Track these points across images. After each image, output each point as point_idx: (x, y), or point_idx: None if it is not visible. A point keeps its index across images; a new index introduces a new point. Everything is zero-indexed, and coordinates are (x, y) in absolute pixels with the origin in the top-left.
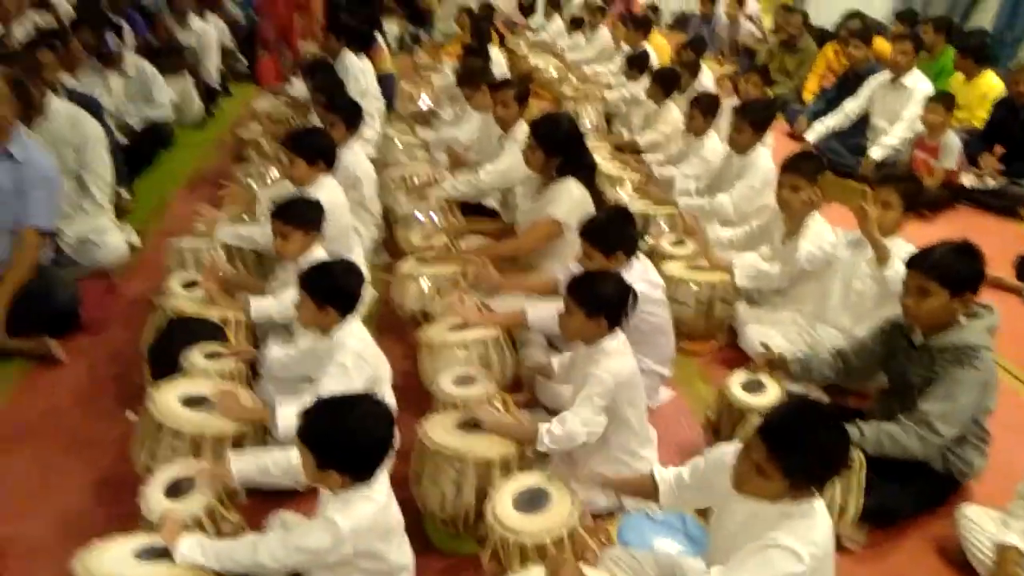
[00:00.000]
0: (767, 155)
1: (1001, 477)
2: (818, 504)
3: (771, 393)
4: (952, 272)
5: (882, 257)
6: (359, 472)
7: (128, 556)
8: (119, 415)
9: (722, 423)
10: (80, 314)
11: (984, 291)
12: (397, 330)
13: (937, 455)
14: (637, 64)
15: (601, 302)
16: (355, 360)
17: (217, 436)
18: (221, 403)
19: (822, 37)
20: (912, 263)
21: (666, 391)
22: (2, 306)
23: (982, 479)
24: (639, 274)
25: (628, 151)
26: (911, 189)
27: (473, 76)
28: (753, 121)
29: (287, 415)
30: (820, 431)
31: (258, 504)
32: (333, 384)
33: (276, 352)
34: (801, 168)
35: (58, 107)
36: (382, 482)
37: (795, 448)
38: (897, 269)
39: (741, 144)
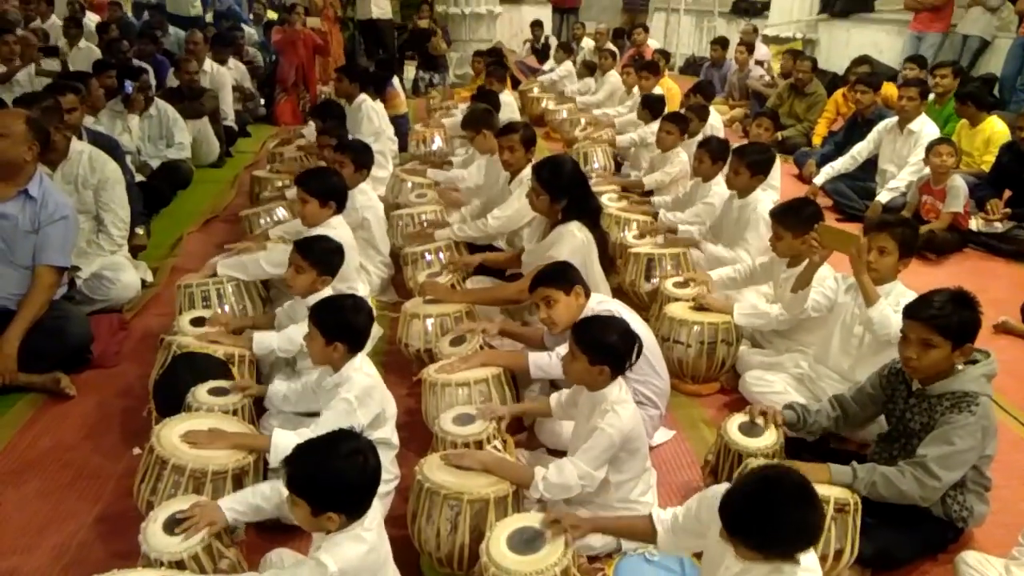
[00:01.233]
0: (769, 200)
1: (1003, 524)
2: (811, 561)
3: (769, 436)
4: (955, 323)
5: (869, 300)
6: (356, 509)
7: None
8: (125, 451)
9: (720, 466)
10: (92, 350)
11: (992, 335)
12: (402, 368)
13: (934, 499)
14: (651, 106)
15: (605, 350)
16: (361, 396)
17: (218, 471)
18: (210, 439)
19: (833, 82)
20: (912, 314)
21: (666, 431)
22: (15, 341)
23: (985, 526)
24: (597, 302)
25: (636, 192)
26: (907, 235)
27: (475, 120)
28: (750, 163)
29: (283, 439)
30: (781, 510)
31: (258, 539)
32: (335, 419)
33: (280, 387)
34: (781, 218)
35: (79, 148)
36: (372, 520)
37: (754, 531)
38: (881, 310)
39: (739, 186)
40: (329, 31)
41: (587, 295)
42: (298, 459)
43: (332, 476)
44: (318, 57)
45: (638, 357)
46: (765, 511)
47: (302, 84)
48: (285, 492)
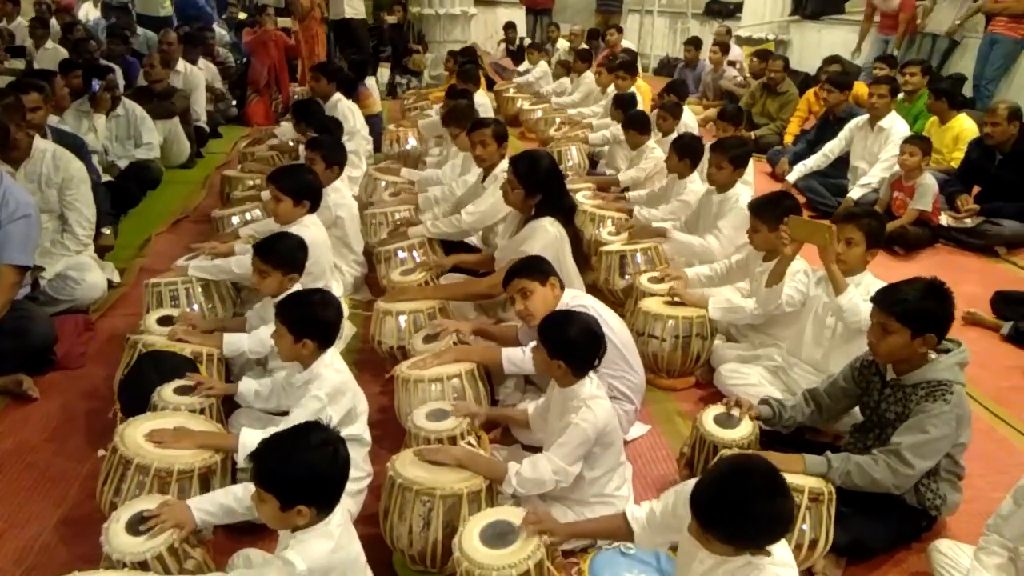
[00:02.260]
0: (746, 193)
1: (976, 512)
2: (784, 553)
3: (744, 428)
4: (914, 312)
5: (838, 288)
6: (326, 502)
7: None
8: (89, 453)
9: (696, 457)
10: (56, 351)
11: (962, 327)
12: (375, 366)
13: (907, 487)
14: (622, 105)
15: (563, 345)
16: (332, 393)
17: (184, 470)
18: (175, 438)
19: (805, 82)
20: (876, 299)
21: (641, 426)
22: None
23: (958, 515)
24: (571, 296)
25: (610, 189)
26: (873, 225)
27: (459, 115)
28: (732, 158)
29: (251, 439)
30: (752, 501)
31: (225, 540)
32: (306, 417)
33: (251, 384)
34: (758, 211)
35: (42, 147)
36: (339, 515)
37: (725, 522)
38: (850, 297)
39: (720, 181)
40: (316, 32)
41: (562, 288)
42: (265, 452)
43: (301, 468)
44: (298, 56)
45: (600, 359)
46: (736, 502)
47: (274, 85)
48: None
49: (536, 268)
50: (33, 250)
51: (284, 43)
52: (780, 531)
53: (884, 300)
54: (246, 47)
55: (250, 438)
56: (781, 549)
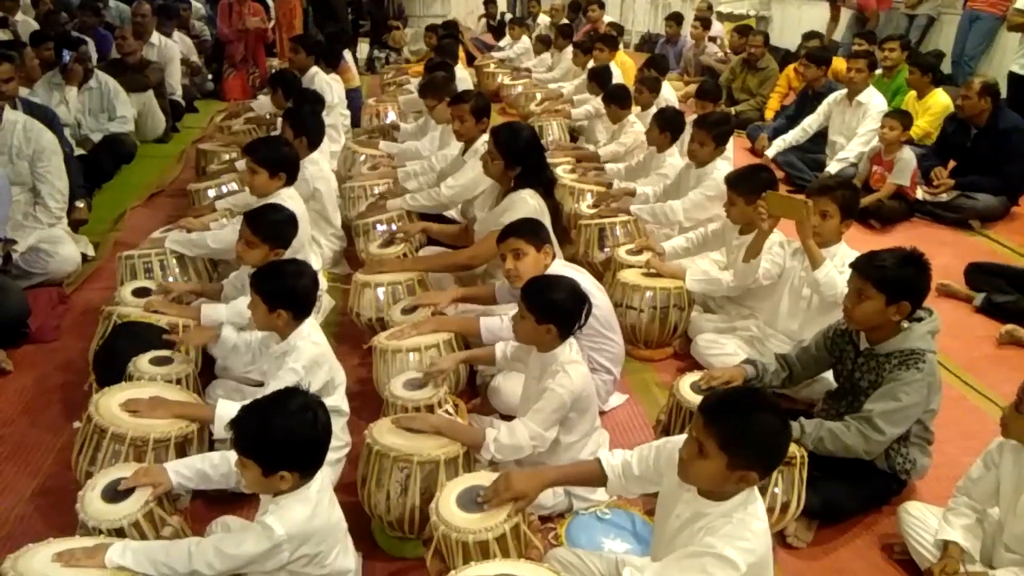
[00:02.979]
0: (725, 167)
1: (946, 477)
2: (759, 508)
3: None
4: (890, 279)
5: (815, 262)
6: (308, 467)
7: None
8: (64, 425)
9: (672, 424)
10: (29, 324)
11: (936, 298)
12: (354, 338)
13: (878, 452)
14: (598, 79)
15: (552, 309)
16: (309, 366)
17: (160, 439)
18: (150, 407)
19: (785, 58)
20: (855, 264)
21: (619, 396)
22: None
23: (927, 479)
24: (561, 266)
25: (590, 163)
26: (847, 196)
27: (436, 86)
28: (716, 135)
29: (227, 410)
30: (755, 407)
31: (203, 508)
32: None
33: (230, 334)
34: (734, 184)
35: (12, 118)
36: (318, 481)
37: (729, 418)
38: (827, 272)
39: (702, 157)
40: (293, 5)
41: (553, 257)
42: (246, 419)
43: (282, 432)
44: (276, 30)
45: (587, 319)
46: (745, 404)
47: (251, 59)
48: (235, 460)
49: (534, 232)
50: (3, 221)
51: (260, 11)
52: (773, 444)
53: (862, 266)
54: (219, 36)
55: (226, 410)
56: (758, 506)
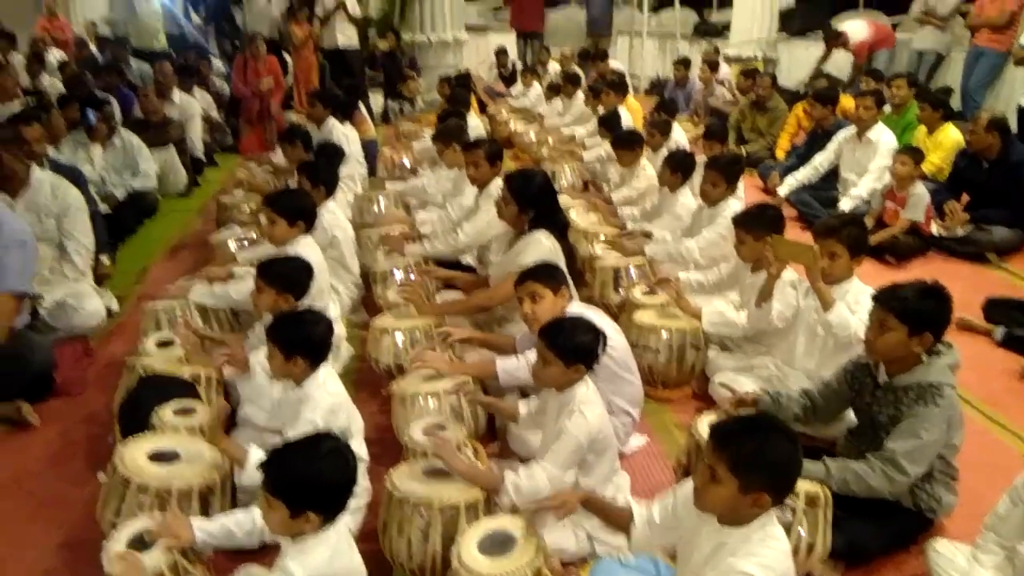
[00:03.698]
0: (737, 207)
1: (972, 515)
2: (777, 530)
3: None
4: (912, 310)
5: (826, 304)
6: (333, 510)
7: None
8: (89, 477)
9: (692, 465)
10: (55, 378)
11: (955, 332)
12: (373, 385)
13: (904, 493)
14: (607, 124)
15: (580, 350)
16: (326, 414)
17: (183, 490)
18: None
19: (794, 97)
20: (876, 296)
21: (639, 437)
22: None
23: (953, 516)
24: (579, 308)
25: (604, 207)
26: (854, 234)
27: (447, 133)
28: (728, 176)
29: (259, 455)
30: (766, 431)
31: (226, 558)
32: None
33: (250, 409)
34: (742, 223)
35: (40, 177)
36: (340, 524)
37: (739, 441)
38: (838, 312)
39: (714, 197)
40: (310, 61)
41: (570, 299)
42: (278, 459)
43: (313, 475)
44: (293, 84)
45: (604, 349)
46: (757, 428)
47: (267, 114)
48: (258, 519)
49: (550, 275)
50: (30, 277)
51: (275, 71)
52: (786, 467)
53: (884, 297)
54: (235, 92)
55: (258, 455)
56: (779, 531)
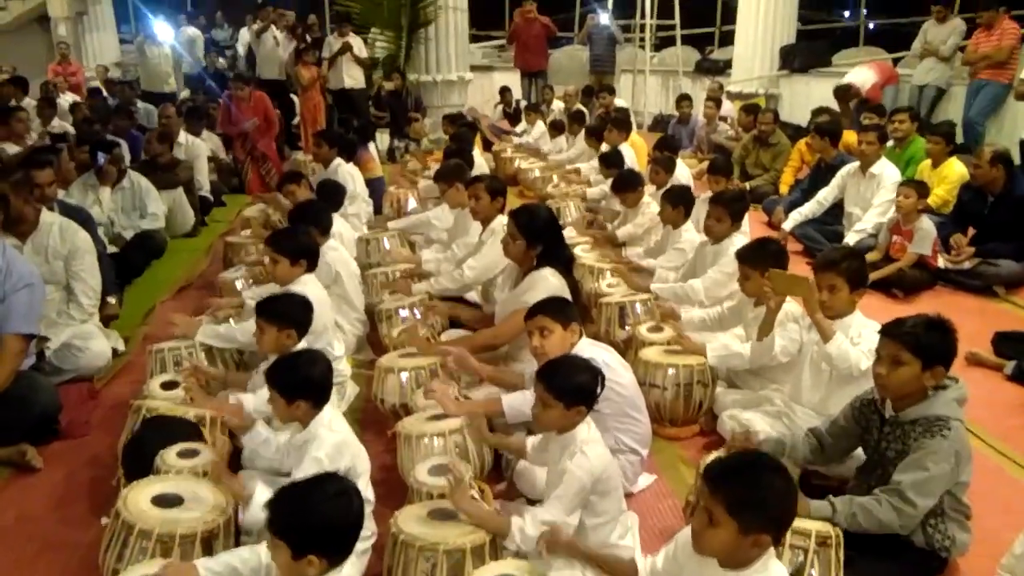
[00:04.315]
0: (742, 242)
1: (987, 554)
2: (779, 568)
3: None
4: (926, 344)
5: (825, 336)
6: (338, 554)
7: None
8: (93, 521)
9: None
10: (60, 420)
11: (965, 367)
12: (379, 425)
13: (913, 526)
14: (609, 162)
15: (579, 391)
16: (332, 454)
17: (186, 535)
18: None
19: (797, 133)
20: (886, 331)
21: (647, 476)
22: None
23: (969, 556)
24: (591, 347)
25: (608, 244)
26: (853, 267)
27: (448, 172)
28: (732, 212)
29: (263, 494)
30: (759, 469)
31: None
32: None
33: (262, 428)
34: (745, 258)
35: (49, 219)
36: (346, 568)
37: (734, 482)
38: (838, 344)
39: (719, 233)
40: (317, 102)
41: (580, 335)
42: (283, 499)
43: (318, 516)
44: (301, 125)
45: (603, 388)
46: (750, 467)
47: (260, 156)
48: (264, 557)
49: (560, 310)
50: (37, 319)
51: (263, 109)
52: (782, 504)
53: (896, 332)
54: (220, 128)
55: (263, 497)
56: (779, 568)
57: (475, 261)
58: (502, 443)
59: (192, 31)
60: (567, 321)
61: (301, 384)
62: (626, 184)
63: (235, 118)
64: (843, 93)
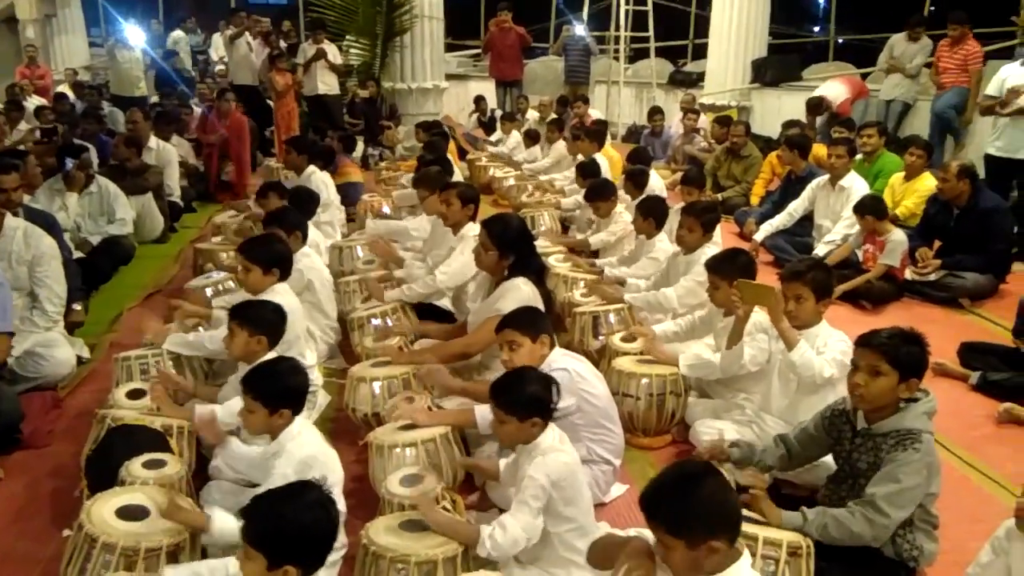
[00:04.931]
0: (714, 252)
1: (954, 563)
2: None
3: None
4: (903, 355)
5: (789, 345)
6: (312, 564)
7: None
8: (54, 533)
9: None
10: (22, 429)
11: (931, 378)
12: (350, 434)
13: (884, 538)
14: (586, 172)
15: (531, 403)
16: (299, 468)
17: (151, 548)
18: (167, 510)
19: (768, 145)
20: (864, 342)
21: (620, 486)
22: None
23: (937, 565)
24: (564, 358)
25: (581, 253)
26: (818, 277)
27: (428, 179)
28: (704, 222)
29: (223, 521)
30: (685, 480)
31: None
32: None
33: (221, 463)
34: (715, 268)
35: (13, 224)
36: None
37: (663, 504)
38: (802, 353)
39: (690, 243)
40: (291, 109)
41: (552, 346)
42: (258, 509)
43: (293, 527)
44: (275, 131)
45: (559, 397)
46: (676, 482)
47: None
48: (232, 568)
49: (529, 323)
50: (10, 316)
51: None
52: (723, 518)
53: (874, 342)
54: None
55: (223, 522)
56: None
57: (446, 266)
58: (475, 466)
59: (178, 34)
60: (536, 334)
61: (285, 392)
62: (599, 193)
63: (210, 127)
64: (814, 106)
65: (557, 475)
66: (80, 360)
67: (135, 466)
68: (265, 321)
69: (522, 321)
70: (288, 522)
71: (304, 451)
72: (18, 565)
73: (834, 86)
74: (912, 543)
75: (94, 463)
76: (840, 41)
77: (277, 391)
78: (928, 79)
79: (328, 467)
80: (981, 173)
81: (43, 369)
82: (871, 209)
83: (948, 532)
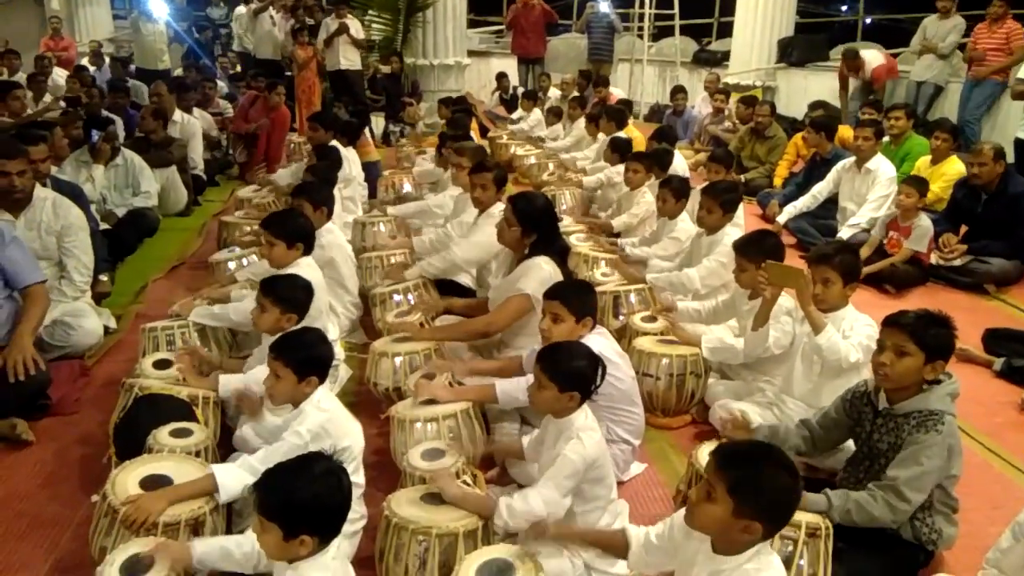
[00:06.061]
0: (736, 234)
1: (974, 547)
2: (775, 560)
3: None
4: (930, 336)
5: (816, 328)
6: (328, 532)
7: None
8: (83, 499)
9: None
10: (50, 396)
11: (955, 363)
12: (372, 408)
13: (904, 523)
14: (618, 148)
15: (575, 376)
16: (315, 431)
17: (170, 523)
18: (145, 509)
19: (793, 126)
20: (892, 322)
21: (638, 465)
22: (28, 337)
23: (956, 549)
24: (597, 339)
25: (603, 233)
26: (846, 261)
27: (472, 152)
28: (723, 202)
29: (227, 477)
30: (769, 459)
31: None
32: (285, 451)
33: (247, 432)
34: (742, 249)
35: (42, 195)
36: (334, 549)
37: (742, 463)
38: (829, 337)
39: (710, 224)
40: (312, 83)
41: (591, 329)
42: (270, 481)
43: (307, 496)
44: (296, 106)
45: (602, 381)
46: (761, 456)
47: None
48: (258, 543)
49: (579, 304)
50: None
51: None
52: (784, 507)
53: (902, 322)
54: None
55: (227, 477)
56: (776, 560)
57: (466, 241)
58: (498, 450)
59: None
60: (581, 315)
61: (314, 360)
62: (643, 159)
63: (253, 116)
64: (851, 60)
65: (592, 458)
66: (107, 330)
67: (162, 434)
68: (297, 300)
69: (572, 299)
70: (300, 492)
71: (322, 416)
72: (49, 527)
73: (873, 52)
74: (931, 526)
75: (122, 431)
76: (868, 21)
77: (308, 358)
78: (960, 61)
79: (350, 435)
80: (1011, 157)
81: (71, 338)
82: (916, 183)
83: (968, 517)
